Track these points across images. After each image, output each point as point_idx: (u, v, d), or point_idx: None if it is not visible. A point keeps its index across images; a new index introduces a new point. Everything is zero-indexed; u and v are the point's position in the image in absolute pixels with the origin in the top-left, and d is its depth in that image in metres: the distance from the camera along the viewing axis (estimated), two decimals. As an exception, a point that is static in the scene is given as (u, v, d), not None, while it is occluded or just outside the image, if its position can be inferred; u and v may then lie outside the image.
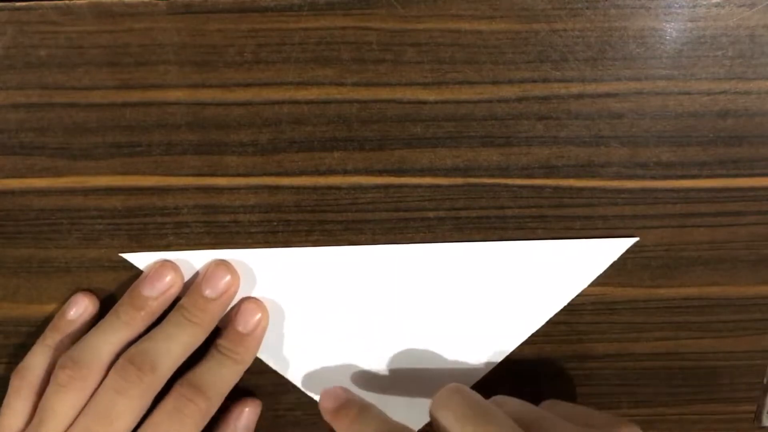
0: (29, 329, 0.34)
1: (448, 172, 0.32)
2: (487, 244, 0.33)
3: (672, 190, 0.32)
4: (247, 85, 0.30)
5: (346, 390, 0.32)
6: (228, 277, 0.33)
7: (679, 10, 0.30)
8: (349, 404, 0.30)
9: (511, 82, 0.31)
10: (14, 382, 0.32)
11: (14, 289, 0.34)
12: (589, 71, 0.30)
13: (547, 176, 0.32)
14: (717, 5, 0.30)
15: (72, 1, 0.29)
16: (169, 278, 0.32)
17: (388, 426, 0.28)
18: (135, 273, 0.33)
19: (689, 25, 0.30)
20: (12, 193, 0.32)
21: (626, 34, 0.30)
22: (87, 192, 0.32)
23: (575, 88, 0.31)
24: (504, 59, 0.30)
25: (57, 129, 0.31)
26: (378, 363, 0.35)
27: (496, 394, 0.36)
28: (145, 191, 0.32)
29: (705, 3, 0.30)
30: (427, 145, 0.31)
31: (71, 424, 0.30)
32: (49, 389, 0.31)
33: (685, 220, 0.33)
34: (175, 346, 0.31)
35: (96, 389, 0.31)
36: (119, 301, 0.32)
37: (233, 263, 0.33)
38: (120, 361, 0.31)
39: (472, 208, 0.32)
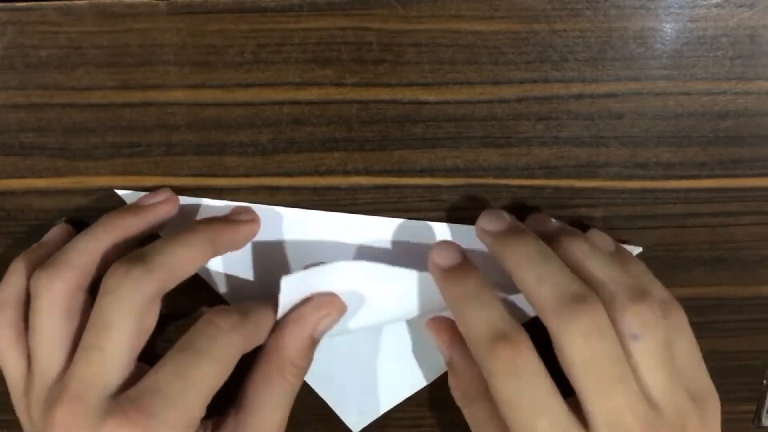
0: (29, 329, 0.34)
1: (448, 173, 0.32)
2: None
3: (672, 190, 0.32)
4: (247, 86, 0.30)
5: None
6: (250, 216, 0.31)
7: (679, 10, 0.30)
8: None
9: (511, 82, 0.31)
10: None
11: (14, 289, 0.33)
12: (589, 71, 0.30)
13: (547, 176, 0.32)
14: (717, 5, 0.30)
15: (72, 1, 0.29)
16: (164, 196, 0.31)
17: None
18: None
19: (689, 25, 0.30)
20: (12, 193, 0.32)
21: (626, 34, 0.30)
22: (87, 192, 0.32)
23: (575, 89, 0.31)
24: (504, 59, 0.30)
25: (57, 129, 0.31)
26: (376, 359, 0.35)
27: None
28: (145, 191, 0.32)
29: (705, 3, 0.30)
30: (427, 146, 0.31)
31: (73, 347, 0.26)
32: (31, 314, 0.27)
33: (685, 220, 0.33)
34: (179, 248, 0.28)
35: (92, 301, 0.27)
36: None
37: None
38: (111, 267, 0.27)
39: (472, 208, 0.32)
